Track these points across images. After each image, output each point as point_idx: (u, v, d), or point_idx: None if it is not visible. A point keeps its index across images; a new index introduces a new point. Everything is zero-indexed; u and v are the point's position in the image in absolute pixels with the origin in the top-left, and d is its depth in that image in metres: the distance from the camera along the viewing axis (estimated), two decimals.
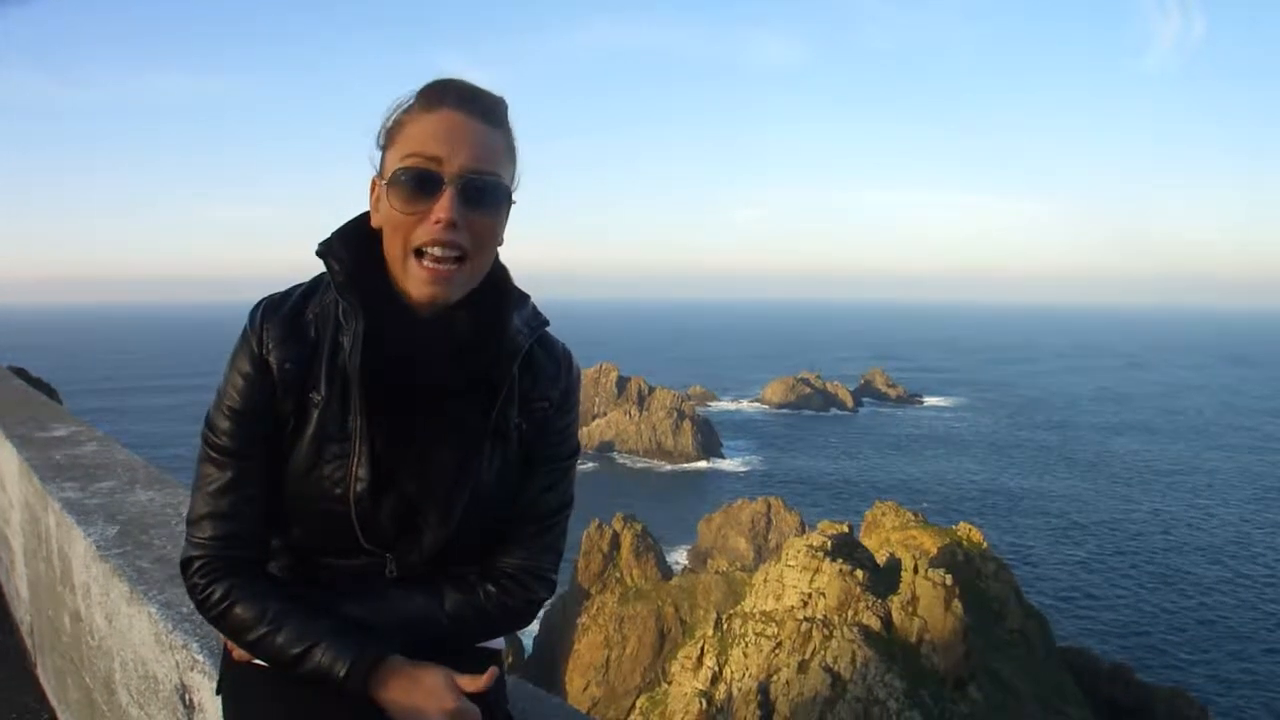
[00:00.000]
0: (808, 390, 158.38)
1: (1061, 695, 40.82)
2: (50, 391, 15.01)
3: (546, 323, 2.08)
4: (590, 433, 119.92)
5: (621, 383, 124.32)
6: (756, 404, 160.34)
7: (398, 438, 1.93)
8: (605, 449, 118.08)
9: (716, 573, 60.79)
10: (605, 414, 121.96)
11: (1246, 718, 53.39)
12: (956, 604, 37.62)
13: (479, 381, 1.96)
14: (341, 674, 1.83)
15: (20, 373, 14.59)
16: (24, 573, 5.90)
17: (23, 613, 6.16)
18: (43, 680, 5.55)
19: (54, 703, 5.25)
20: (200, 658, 2.72)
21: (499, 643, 2.24)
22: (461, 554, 2.03)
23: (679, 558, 74.01)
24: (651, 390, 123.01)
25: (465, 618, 2.02)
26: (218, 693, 2.15)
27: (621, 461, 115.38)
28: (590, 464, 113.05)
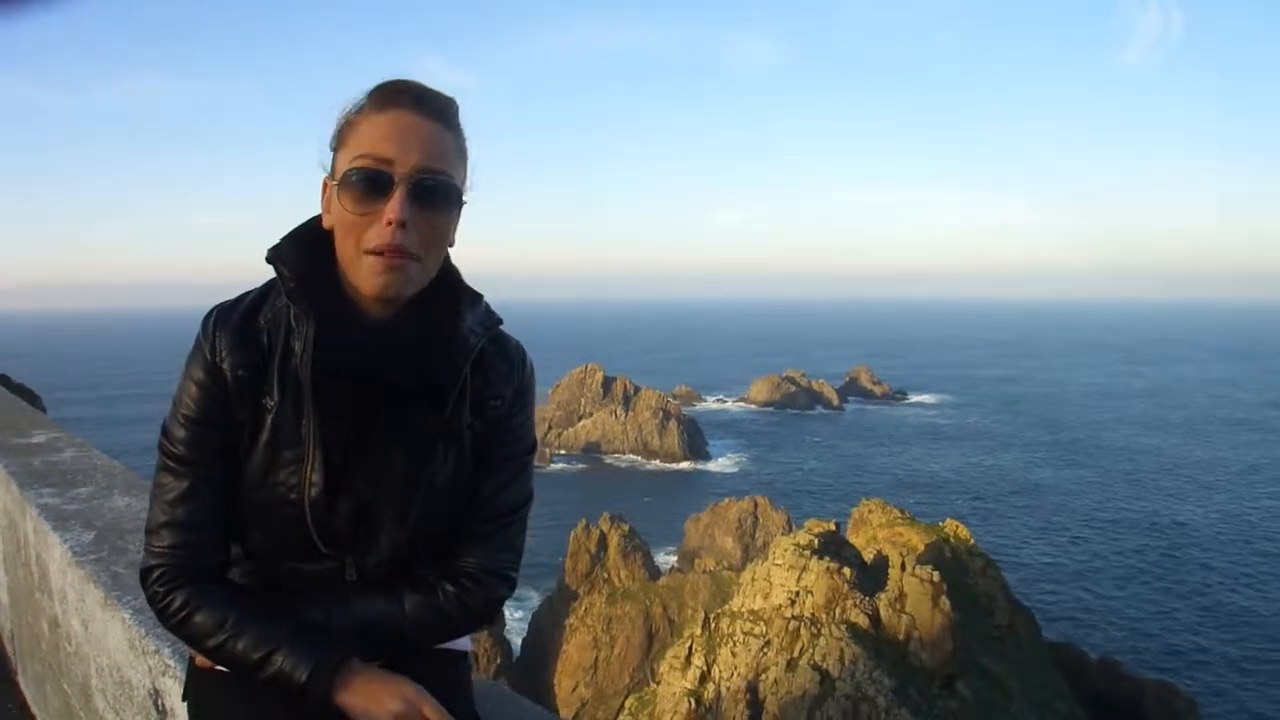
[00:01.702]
0: (793, 389, 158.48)
1: (1050, 690, 40.95)
2: (33, 398, 14.97)
3: (500, 322, 2.08)
4: (576, 433, 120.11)
5: (607, 383, 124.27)
6: (742, 403, 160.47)
7: (351, 441, 1.93)
8: (591, 450, 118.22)
9: (704, 572, 60.89)
10: (591, 415, 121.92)
11: (1235, 709, 53.58)
12: (944, 601, 37.63)
13: (431, 383, 1.96)
14: (303, 678, 1.84)
15: (2, 380, 14.57)
16: (4, 580, 5.89)
17: (3, 619, 6.15)
18: (24, 688, 5.54)
19: (35, 710, 5.23)
20: (172, 663, 2.73)
21: (466, 644, 2.25)
22: (421, 555, 2.04)
23: (666, 558, 73.93)
24: (637, 390, 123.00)
25: (425, 619, 2.02)
26: (184, 698, 2.15)
27: (608, 462, 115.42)
28: (576, 465, 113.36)
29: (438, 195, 1.86)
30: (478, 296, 2.07)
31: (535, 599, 66.59)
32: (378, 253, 1.82)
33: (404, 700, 1.84)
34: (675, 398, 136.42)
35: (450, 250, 2.00)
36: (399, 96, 1.86)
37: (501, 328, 2.10)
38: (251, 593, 1.99)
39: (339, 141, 1.91)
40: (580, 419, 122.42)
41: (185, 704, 2.14)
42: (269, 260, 1.95)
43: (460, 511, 2.06)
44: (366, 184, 1.82)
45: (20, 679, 5.63)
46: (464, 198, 1.93)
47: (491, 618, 2.16)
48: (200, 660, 2.05)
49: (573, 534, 63.67)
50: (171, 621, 1.93)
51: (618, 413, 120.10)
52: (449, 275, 2.03)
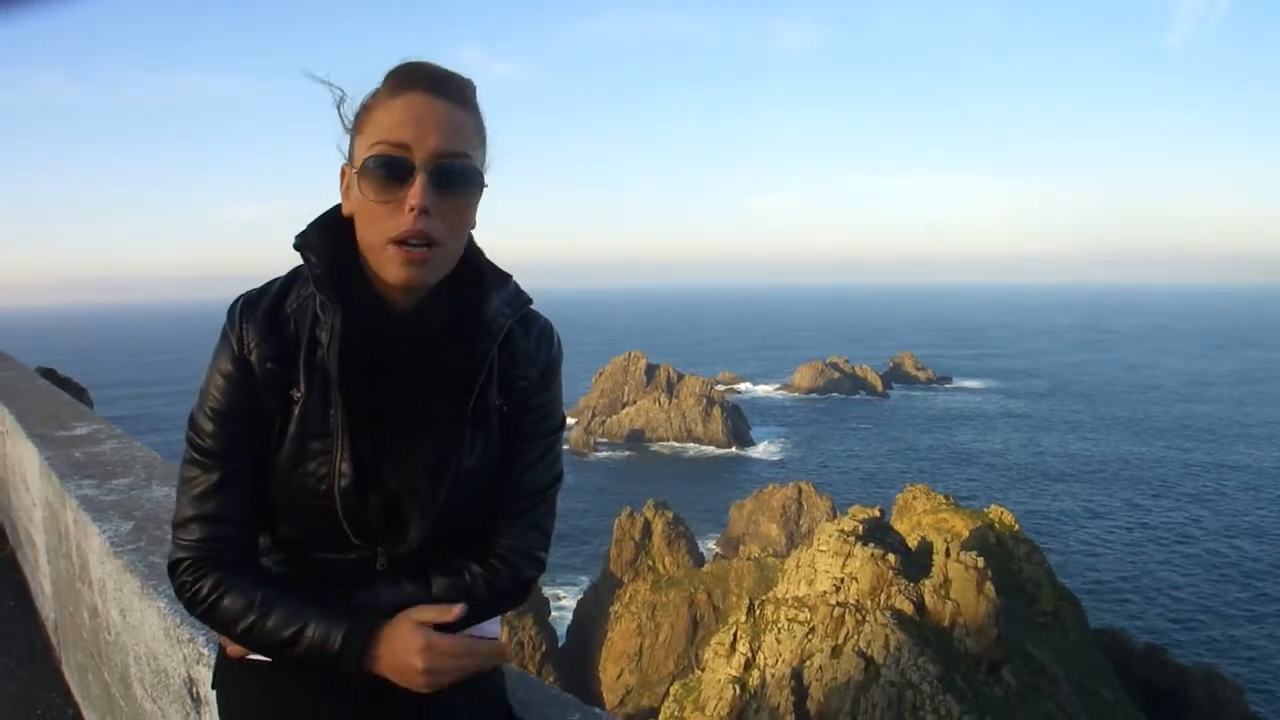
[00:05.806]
0: (837, 375, 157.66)
1: (1096, 677, 40.59)
2: (80, 391, 15.14)
3: (529, 301, 2.06)
4: (620, 421, 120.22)
5: (650, 370, 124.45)
6: (785, 390, 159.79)
7: (379, 431, 1.91)
8: (635, 437, 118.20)
9: (748, 559, 60.94)
10: (635, 402, 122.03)
11: None
12: (989, 587, 37.39)
13: (459, 369, 1.94)
14: (336, 646, 1.83)
15: (49, 373, 14.73)
16: (47, 570, 5.95)
17: (48, 610, 6.21)
18: (67, 676, 5.61)
19: (78, 698, 5.30)
20: (206, 651, 2.74)
21: (494, 628, 2.21)
22: (453, 541, 2.02)
23: (711, 544, 73.96)
24: (680, 377, 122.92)
25: (454, 601, 1.98)
26: (213, 687, 2.15)
27: (652, 449, 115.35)
28: (621, 452, 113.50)
29: (459, 178, 1.84)
30: (505, 277, 2.05)
31: (581, 585, 66.83)
32: (402, 241, 1.80)
33: (427, 652, 1.84)
34: (719, 384, 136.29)
35: (473, 231, 1.98)
36: (413, 79, 1.83)
37: (531, 307, 2.08)
38: (279, 577, 1.98)
39: (355, 128, 1.89)
40: (624, 406, 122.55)
41: (215, 692, 2.14)
42: (296, 247, 1.93)
43: (490, 495, 2.04)
44: (386, 171, 1.80)
45: (64, 668, 5.71)
46: (485, 179, 1.91)
47: (520, 599, 2.12)
48: (231, 649, 2.05)
49: (617, 521, 63.70)
50: (200, 608, 1.92)
51: (661, 400, 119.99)
52: (473, 257, 2.01)
